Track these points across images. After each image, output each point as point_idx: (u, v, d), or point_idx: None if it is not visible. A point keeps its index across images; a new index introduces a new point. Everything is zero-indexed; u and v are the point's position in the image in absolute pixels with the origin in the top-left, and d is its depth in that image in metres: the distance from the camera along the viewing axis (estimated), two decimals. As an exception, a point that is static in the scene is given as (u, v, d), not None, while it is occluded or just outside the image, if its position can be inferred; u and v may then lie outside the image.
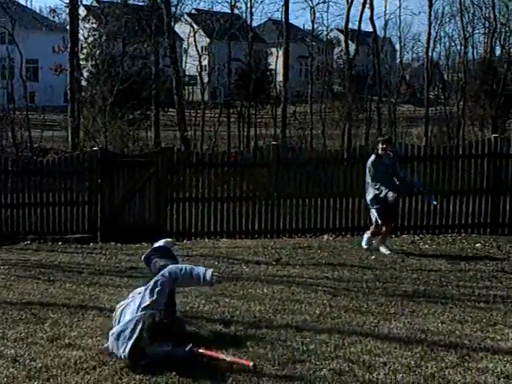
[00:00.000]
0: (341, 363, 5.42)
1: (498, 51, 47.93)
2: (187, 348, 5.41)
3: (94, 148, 15.58)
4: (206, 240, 12.49)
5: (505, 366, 5.25)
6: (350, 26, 43.46)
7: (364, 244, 10.77)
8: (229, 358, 5.39)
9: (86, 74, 38.87)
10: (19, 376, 5.28)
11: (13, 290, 8.19)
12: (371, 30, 44.12)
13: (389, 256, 10.16)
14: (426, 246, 11.25)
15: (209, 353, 5.45)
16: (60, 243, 12.52)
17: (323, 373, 5.22)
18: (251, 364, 5.25)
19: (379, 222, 10.48)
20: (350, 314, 6.95)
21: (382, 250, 10.48)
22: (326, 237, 12.66)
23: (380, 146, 10.43)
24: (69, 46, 30.82)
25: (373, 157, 10.40)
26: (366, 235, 10.83)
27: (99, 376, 5.24)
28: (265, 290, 8.01)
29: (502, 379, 4.97)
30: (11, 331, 6.40)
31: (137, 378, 5.14)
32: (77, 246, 12.25)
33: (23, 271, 9.52)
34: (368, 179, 10.45)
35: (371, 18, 41.96)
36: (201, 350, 5.44)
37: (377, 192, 10.29)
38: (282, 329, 6.38)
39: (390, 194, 10.13)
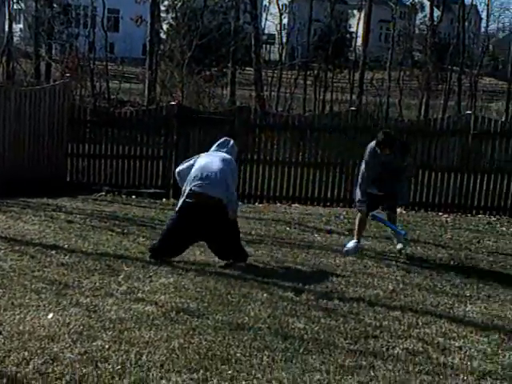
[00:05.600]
0: (414, 343, 5.32)
1: None
2: None
3: (172, 103, 15.60)
4: (278, 204, 12.42)
5: None
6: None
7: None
8: None
9: (165, 27, 38.89)
10: (95, 326, 5.39)
11: (88, 240, 8.31)
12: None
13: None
14: (503, 229, 10.92)
15: None
16: (134, 196, 12.63)
17: (397, 351, 5.13)
18: None
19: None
20: (424, 292, 6.83)
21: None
22: (399, 210, 12.38)
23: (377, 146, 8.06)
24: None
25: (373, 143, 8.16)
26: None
27: (171, 333, 5.29)
28: (337, 261, 7.96)
29: None
30: (86, 280, 6.53)
31: (208, 339, 5.17)
32: (150, 200, 12.35)
33: (98, 222, 9.66)
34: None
35: (459, -18, 40.41)
36: None
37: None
38: (355, 302, 6.32)
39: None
